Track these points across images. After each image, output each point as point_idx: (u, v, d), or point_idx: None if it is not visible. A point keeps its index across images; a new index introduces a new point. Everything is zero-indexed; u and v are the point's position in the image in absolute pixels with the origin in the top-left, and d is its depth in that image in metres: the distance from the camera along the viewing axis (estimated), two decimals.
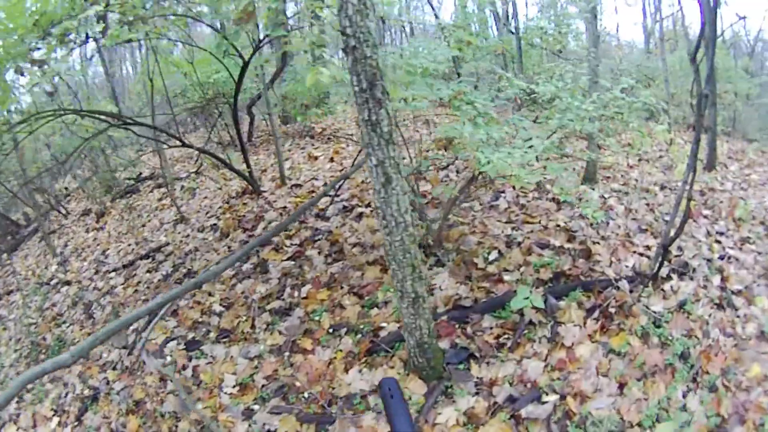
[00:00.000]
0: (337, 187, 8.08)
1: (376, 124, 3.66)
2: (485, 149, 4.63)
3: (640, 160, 10.43)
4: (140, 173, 13.58)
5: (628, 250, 6.27)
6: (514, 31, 12.94)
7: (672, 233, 5.31)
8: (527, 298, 4.84)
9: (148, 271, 8.07)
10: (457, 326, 5.11)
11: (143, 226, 10.13)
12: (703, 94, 5.24)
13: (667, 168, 9.95)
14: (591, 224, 6.84)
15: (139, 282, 7.86)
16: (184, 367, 5.62)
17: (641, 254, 6.22)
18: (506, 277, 5.66)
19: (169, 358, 5.83)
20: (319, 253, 6.78)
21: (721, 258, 6.54)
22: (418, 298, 4.24)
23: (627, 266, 5.92)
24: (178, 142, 8.71)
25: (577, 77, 6.99)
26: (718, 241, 7.11)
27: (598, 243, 6.39)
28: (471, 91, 5.52)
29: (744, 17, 11.03)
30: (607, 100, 5.71)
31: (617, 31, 28.88)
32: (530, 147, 4.91)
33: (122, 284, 8.03)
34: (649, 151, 10.79)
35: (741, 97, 16.52)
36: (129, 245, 9.47)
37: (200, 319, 6.31)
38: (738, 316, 5.37)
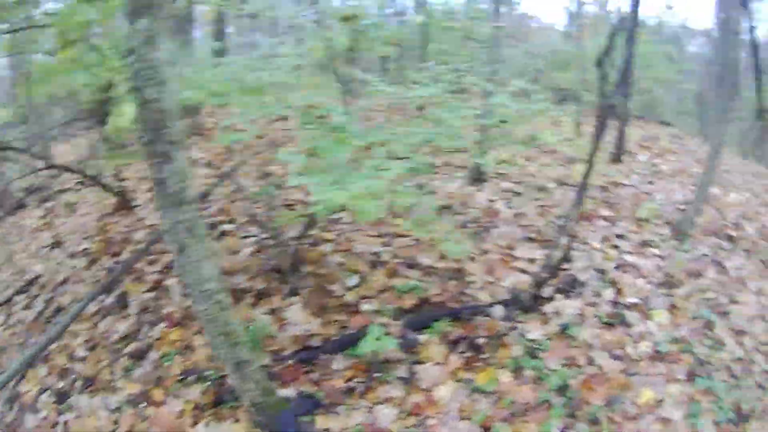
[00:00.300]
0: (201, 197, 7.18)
1: (162, 182, 3.09)
2: (323, 179, 3.83)
3: (544, 152, 10.06)
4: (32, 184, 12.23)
5: (507, 266, 5.85)
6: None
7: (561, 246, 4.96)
8: (379, 338, 4.30)
9: (25, 308, 7.07)
10: (304, 370, 4.58)
11: (23, 251, 8.94)
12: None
13: (569, 161, 9.55)
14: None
15: (18, 321, 6.91)
16: (55, 424, 4.97)
17: (523, 270, 5.79)
18: (364, 307, 5.13)
19: (44, 413, 5.16)
20: (178, 282, 6.01)
21: (617, 267, 6.20)
22: (240, 363, 3.73)
23: (504, 286, 5.50)
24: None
25: (462, 76, 6.51)
26: (616, 246, 6.75)
27: (474, 259, 5.92)
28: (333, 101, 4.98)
29: (671, 6, 10.80)
30: (493, 106, 5.26)
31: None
32: (383, 170, 4.17)
33: (1, 325, 7.08)
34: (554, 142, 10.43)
35: (661, 83, 16.33)
36: (10, 276, 8.28)
37: (67, 365, 5.62)
38: (630, 335, 5.05)
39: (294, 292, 5.34)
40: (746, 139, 17.10)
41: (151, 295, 6.01)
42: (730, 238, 7.74)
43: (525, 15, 25.05)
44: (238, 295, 5.34)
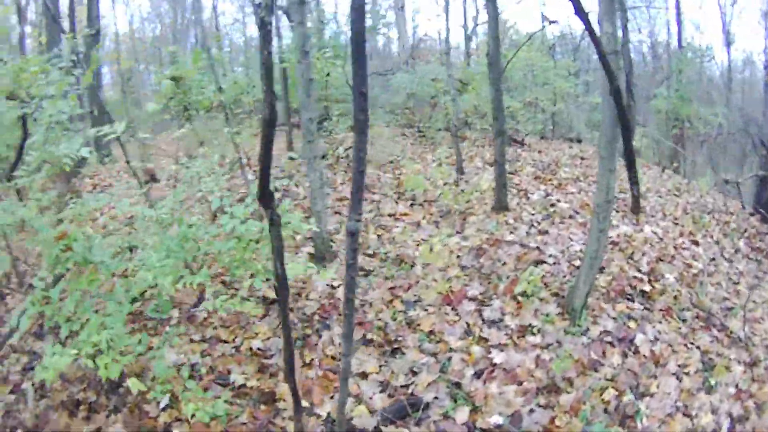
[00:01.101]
0: None
1: None
2: None
3: (412, 204, 8.22)
4: None
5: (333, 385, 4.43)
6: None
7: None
8: None
9: None
10: None
11: None
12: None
13: (444, 214, 7.75)
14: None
15: None
16: None
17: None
18: None
19: None
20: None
21: (479, 374, 4.64)
22: None
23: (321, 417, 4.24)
24: None
25: None
26: (483, 340, 4.96)
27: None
28: None
29: (553, 21, 9.30)
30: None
31: (445, 35, 26.77)
32: None
33: None
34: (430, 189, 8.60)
35: (561, 98, 14.81)
36: None
37: None
38: None
39: (117, 409, 4.47)
40: (662, 147, 15.75)
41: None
42: (644, 295, 6.02)
43: (420, 35, 23.41)
44: (71, 408, 4.48)
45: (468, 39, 20.61)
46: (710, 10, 37.71)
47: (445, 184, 8.59)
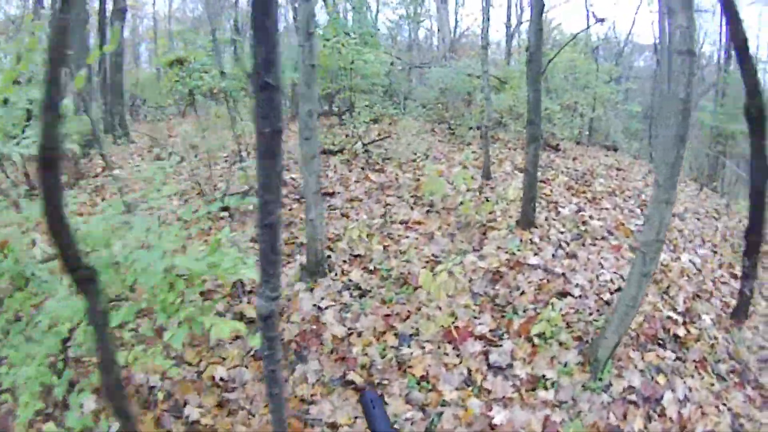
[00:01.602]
0: None
1: None
2: None
3: (428, 211, 7.23)
4: None
5: None
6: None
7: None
8: None
9: None
10: None
11: None
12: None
13: (464, 227, 6.74)
14: None
15: None
16: None
17: None
18: None
19: None
20: None
21: None
22: None
23: None
24: None
25: None
26: (485, 391, 4.02)
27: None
28: None
29: (602, 19, 8.11)
30: None
31: (485, 32, 25.56)
32: None
33: None
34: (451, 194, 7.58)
35: (601, 103, 13.62)
36: None
37: None
38: None
39: None
40: (699, 163, 14.51)
41: None
42: (678, 341, 5.00)
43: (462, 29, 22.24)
44: None
45: (510, 37, 19.48)
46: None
47: (468, 190, 7.57)
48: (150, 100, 17.53)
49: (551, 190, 8.29)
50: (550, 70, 10.68)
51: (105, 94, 12.55)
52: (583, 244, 6.58)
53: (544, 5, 6.14)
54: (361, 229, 6.20)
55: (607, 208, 8.09)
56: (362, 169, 8.53)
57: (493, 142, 10.98)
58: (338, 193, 7.64)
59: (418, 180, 8.04)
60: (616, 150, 13.98)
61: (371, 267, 5.69)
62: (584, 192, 8.62)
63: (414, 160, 9.12)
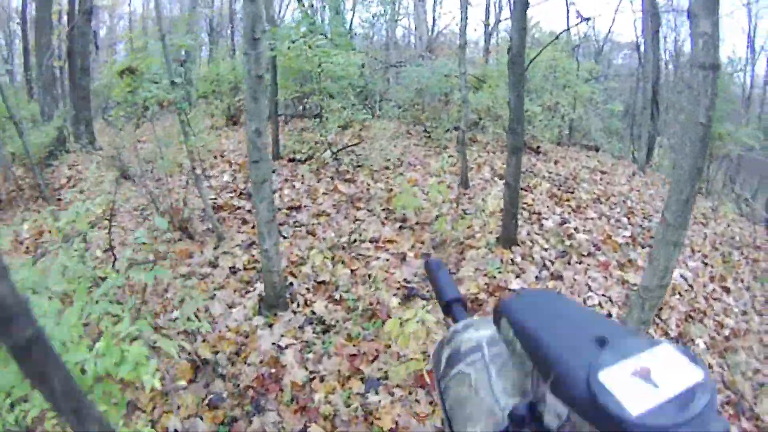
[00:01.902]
0: None
1: None
2: None
3: (401, 227, 6.57)
4: None
5: None
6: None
7: None
8: None
9: None
10: None
11: None
12: None
13: (438, 244, 6.12)
14: None
15: None
16: None
17: None
18: None
19: None
20: None
21: None
22: None
23: None
24: None
25: None
26: None
27: None
28: None
29: (587, 18, 7.39)
30: None
31: (463, 30, 24.84)
32: None
33: None
34: (426, 206, 6.94)
35: (582, 103, 13.02)
36: None
37: None
38: None
39: None
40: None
41: None
42: None
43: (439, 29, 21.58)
44: None
45: (488, 35, 18.85)
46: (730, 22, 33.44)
47: (444, 201, 6.94)
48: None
49: (533, 199, 7.69)
50: (530, 70, 10.09)
51: (74, 99, 11.80)
52: (569, 263, 5.99)
53: (528, 3, 5.46)
54: (326, 253, 5.58)
55: (592, 218, 7.51)
56: (331, 179, 7.86)
57: (471, 145, 10.35)
58: (305, 207, 6.99)
59: (391, 191, 7.40)
60: (597, 150, 13.44)
61: (337, 296, 5.06)
62: (568, 200, 8.02)
63: (387, 168, 8.48)
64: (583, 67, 13.49)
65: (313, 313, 4.83)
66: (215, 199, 7.38)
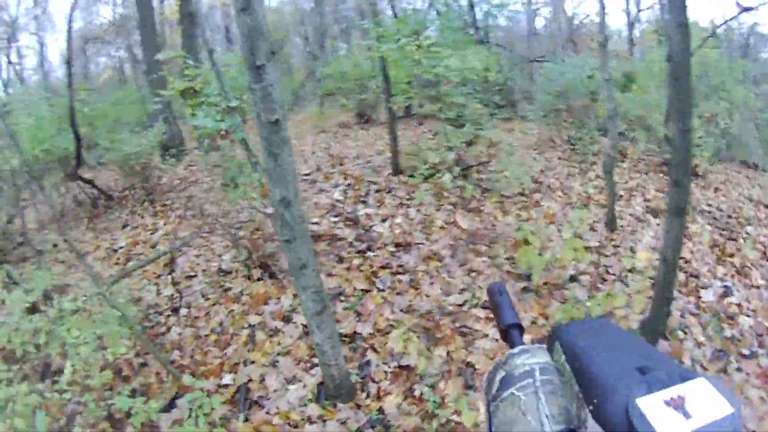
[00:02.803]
0: None
1: None
2: None
3: (525, 289, 5.00)
4: None
5: None
6: None
7: None
8: None
9: None
10: None
11: None
12: None
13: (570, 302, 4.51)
14: None
15: None
16: None
17: None
18: None
19: None
20: None
21: None
22: None
23: None
24: None
25: None
26: None
27: None
28: None
29: (748, 8, 5.15)
30: None
31: (602, 25, 22.04)
32: None
33: None
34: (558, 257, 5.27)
35: (736, 109, 10.35)
36: None
37: None
38: None
39: None
40: None
41: None
42: None
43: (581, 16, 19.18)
44: None
45: (630, 25, 16.41)
46: None
47: (585, 249, 5.27)
48: None
49: (692, 252, 5.89)
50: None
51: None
52: (725, 370, 4.28)
53: None
54: (422, 322, 4.23)
55: (758, 286, 5.63)
56: (453, 207, 6.38)
57: (620, 161, 8.46)
58: (416, 245, 5.61)
59: (519, 228, 5.85)
60: (756, 167, 10.83)
61: (418, 391, 3.72)
62: (731, 255, 6.12)
63: (522, 193, 6.82)
64: (734, 66, 10.83)
65: (381, 411, 3.56)
66: (316, 223, 6.18)
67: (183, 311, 5.32)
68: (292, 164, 2.78)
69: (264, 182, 4.62)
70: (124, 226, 7.59)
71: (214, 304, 5.24)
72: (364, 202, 6.62)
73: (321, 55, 16.58)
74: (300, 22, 20.49)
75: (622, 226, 6.20)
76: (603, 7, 6.25)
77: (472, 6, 11.54)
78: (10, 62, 17.66)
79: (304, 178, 7.73)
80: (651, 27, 18.29)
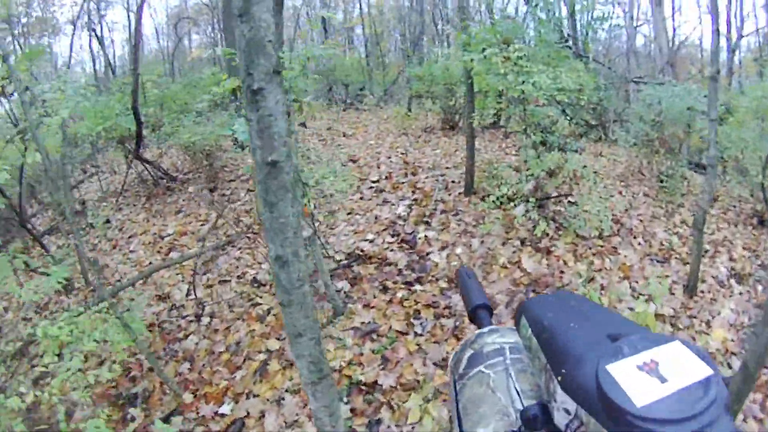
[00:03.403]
0: None
1: None
2: None
3: None
4: None
5: None
6: None
7: None
8: None
9: None
10: None
11: None
12: None
13: None
14: None
15: None
16: None
17: None
18: None
19: None
20: None
21: None
22: None
23: None
24: None
25: None
26: None
27: None
28: None
29: None
30: None
31: (700, 41, 20.24)
32: None
33: None
34: None
35: None
36: None
37: None
38: None
39: None
40: None
41: None
42: None
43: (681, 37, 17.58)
44: None
45: (731, 51, 14.67)
46: None
47: (656, 316, 4.33)
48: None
49: None
50: None
51: None
52: None
53: None
54: (443, 392, 3.44)
55: None
56: (521, 243, 5.36)
57: (711, 205, 7.19)
58: None
59: (592, 279, 4.88)
60: None
61: None
62: None
63: (599, 236, 5.59)
64: None
65: None
66: (371, 241, 5.42)
67: (204, 320, 4.73)
68: (296, 216, 2.02)
69: (306, 202, 3.93)
70: (177, 212, 7.10)
71: (238, 319, 4.61)
72: (427, 222, 5.76)
73: (415, 54, 15.83)
74: (398, 19, 19.84)
75: (702, 291, 5.05)
76: (717, 36, 5.11)
77: (572, 15, 10.39)
78: (97, 36, 17.49)
79: (372, 185, 6.99)
80: (751, 55, 16.67)
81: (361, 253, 5.14)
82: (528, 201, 5.26)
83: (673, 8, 18.09)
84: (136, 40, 8.11)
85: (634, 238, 5.82)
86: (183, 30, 22.40)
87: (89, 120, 6.88)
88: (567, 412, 0.59)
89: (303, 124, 9.61)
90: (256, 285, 4.94)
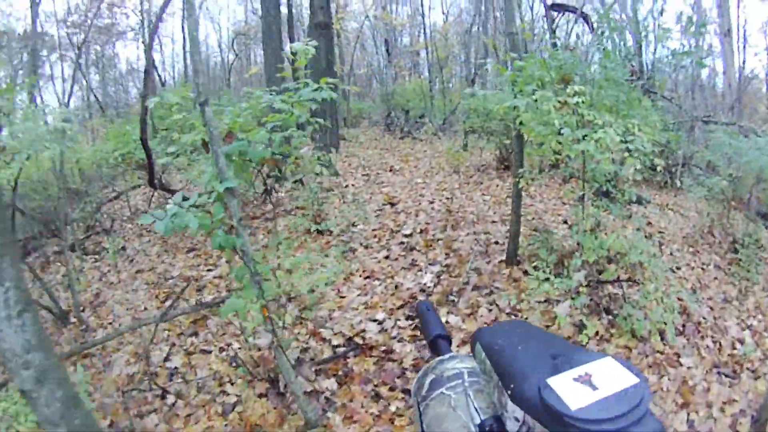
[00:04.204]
0: None
1: None
2: None
3: None
4: None
5: None
6: None
7: None
8: None
9: None
10: None
11: None
12: None
13: None
14: None
15: None
16: None
17: None
18: None
19: None
20: None
21: None
22: None
23: None
24: None
25: None
26: None
27: None
28: None
29: None
30: None
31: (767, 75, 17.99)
32: None
33: None
34: None
35: None
36: None
37: None
38: None
39: None
40: None
41: None
42: None
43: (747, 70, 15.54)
44: None
45: None
46: None
47: None
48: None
49: None
50: None
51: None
52: None
53: None
54: None
55: None
56: (567, 339, 4.10)
57: None
58: None
59: (653, 392, 3.60)
60: None
61: None
62: None
63: (660, 336, 4.10)
64: None
65: None
66: (380, 323, 4.31)
67: (170, 399, 3.76)
68: None
69: (264, 303, 2.88)
70: (190, 250, 6.22)
71: (202, 406, 3.61)
72: (452, 302, 4.52)
73: (475, 82, 14.47)
74: (462, 43, 18.52)
75: None
76: None
77: (640, 46, 8.78)
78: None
79: (403, 241, 5.81)
80: None
81: (361, 342, 4.02)
82: (574, 298, 3.98)
83: (738, 38, 15.60)
84: (147, 68, 7.42)
85: (702, 338, 4.43)
86: (240, 46, 21.99)
87: (112, 143, 6.24)
88: (517, 420, 0.66)
89: (336, 173, 8.46)
90: (234, 365, 3.94)
